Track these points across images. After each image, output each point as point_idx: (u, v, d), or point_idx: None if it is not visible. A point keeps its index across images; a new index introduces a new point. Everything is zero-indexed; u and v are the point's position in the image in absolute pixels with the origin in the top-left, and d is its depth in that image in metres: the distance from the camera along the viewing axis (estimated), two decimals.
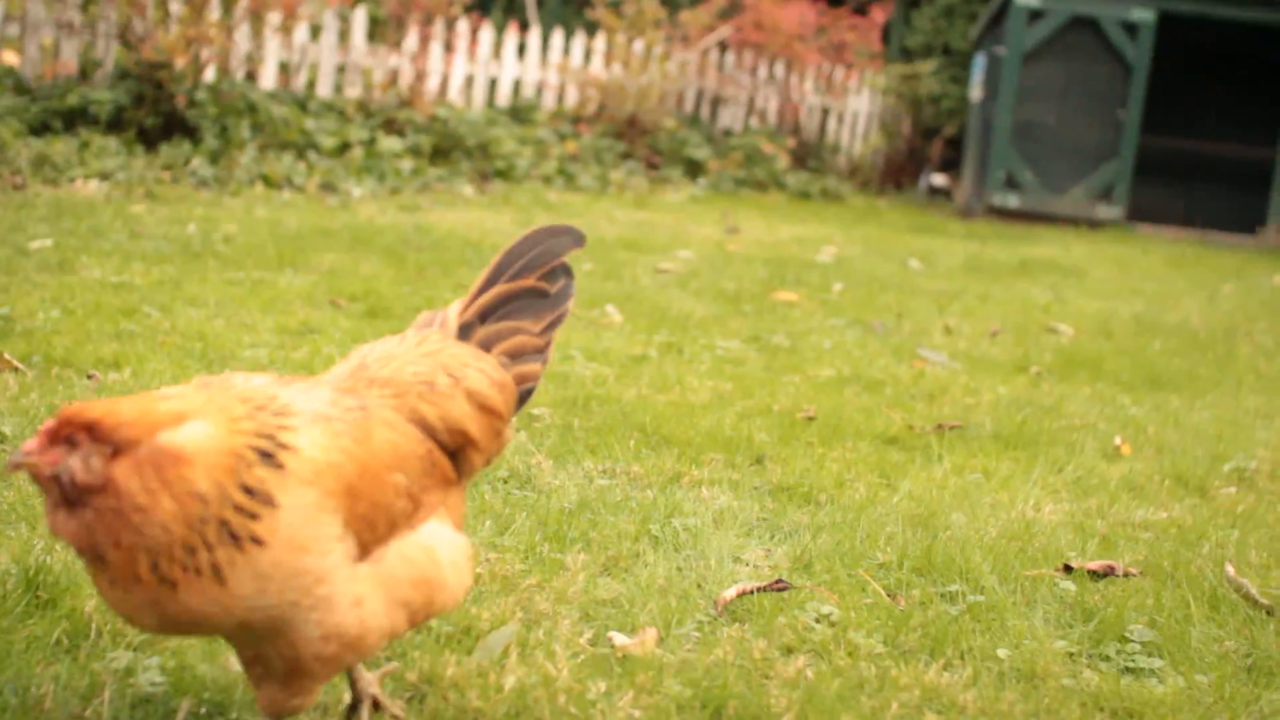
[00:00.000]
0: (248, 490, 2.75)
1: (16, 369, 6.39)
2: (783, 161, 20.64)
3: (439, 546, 3.13)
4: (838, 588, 4.54)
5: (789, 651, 4.06)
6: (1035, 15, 19.97)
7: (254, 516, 2.75)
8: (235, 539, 2.73)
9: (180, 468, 2.70)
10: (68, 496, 2.68)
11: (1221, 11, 20.38)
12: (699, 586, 4.48)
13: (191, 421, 2.75)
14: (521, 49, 20.43)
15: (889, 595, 4.52)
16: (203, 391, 2.89)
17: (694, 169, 20.05)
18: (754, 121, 22.39)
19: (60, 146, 14.06)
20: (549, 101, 20.40)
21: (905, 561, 4.81)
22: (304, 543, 2.81)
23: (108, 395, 6.01)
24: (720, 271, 11.58)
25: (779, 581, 4.46)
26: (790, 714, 3.62)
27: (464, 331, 3.42)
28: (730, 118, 22.29)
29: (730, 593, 4.38)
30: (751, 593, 4.40)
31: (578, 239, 3.61)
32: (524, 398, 3.45)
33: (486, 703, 3.50)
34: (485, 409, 3.29)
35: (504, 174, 17.14)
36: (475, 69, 19.61)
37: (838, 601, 4.40)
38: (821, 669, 3.94)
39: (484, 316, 3.45)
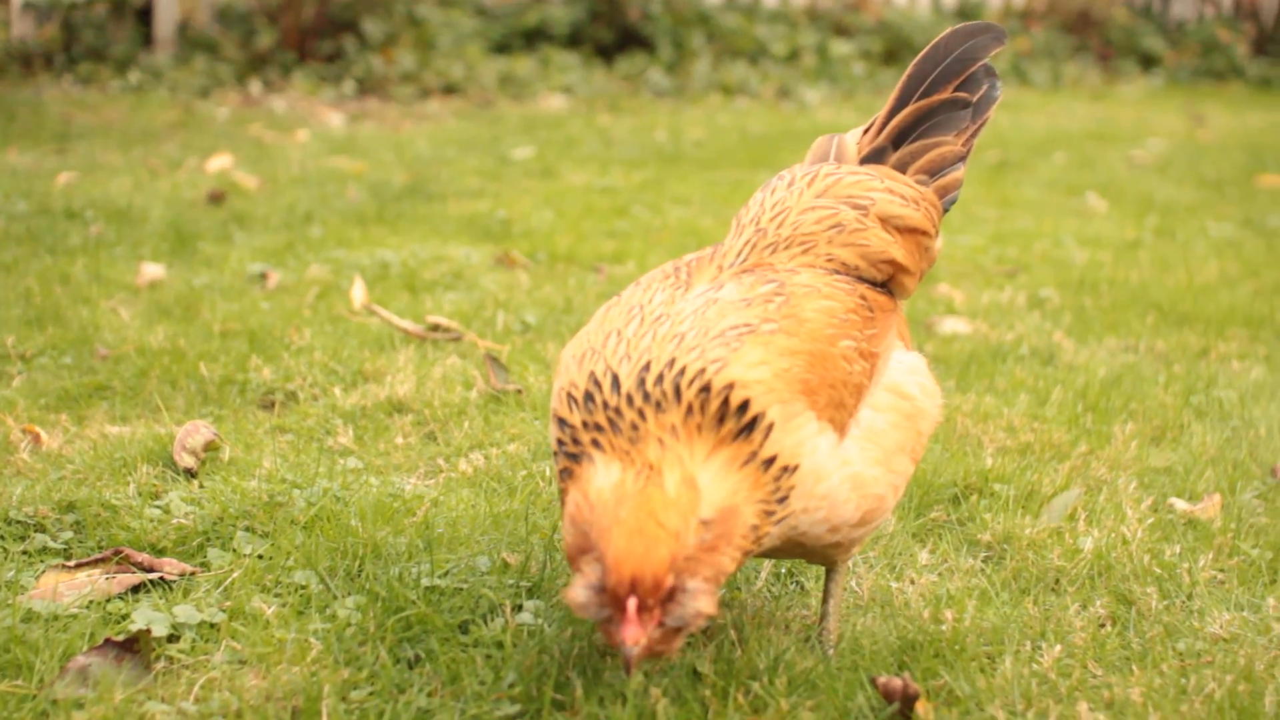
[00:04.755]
0: (768, 462, 2.62)
1: (525, 266, 6.58)
2: (1241, 50, 19.85)
3: (903, 381, 2.93)
4: None
5: None
6: None
7: (786, 468, 2.65)
8: (783, 501, 2.65)
9: (733, 520, 2.56)
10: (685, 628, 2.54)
11: None
12: (1252, 455, 4.35)
13: (706, 491, 2.55)
14: None
15: None
16: (651, 446, 2.60)
17: (1147, 61, 19.46)
18: (1208, 10, 21.60)
19: (523, 64, 14.43)
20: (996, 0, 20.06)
21: None
22: (795, 452, 2.66)
23: (615, 287, 6.15)
24: (1195, 159, 11.22)
25: None
26: None
27: (874, 157, 3.13)
28: (1183, 7, 21.54)
29: None
30: None
31: (998, 36, 3.22)
32: (947, 207, 3.16)
33: (1068, 562, 3.46)
34: (906, 230, 3.02)
35: None
36: None
37: None
38: None
39: (898, 140, 3.14)
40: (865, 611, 3.22)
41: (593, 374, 2.72)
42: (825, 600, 3.05)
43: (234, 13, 14.23)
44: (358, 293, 5.71)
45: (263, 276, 6.15)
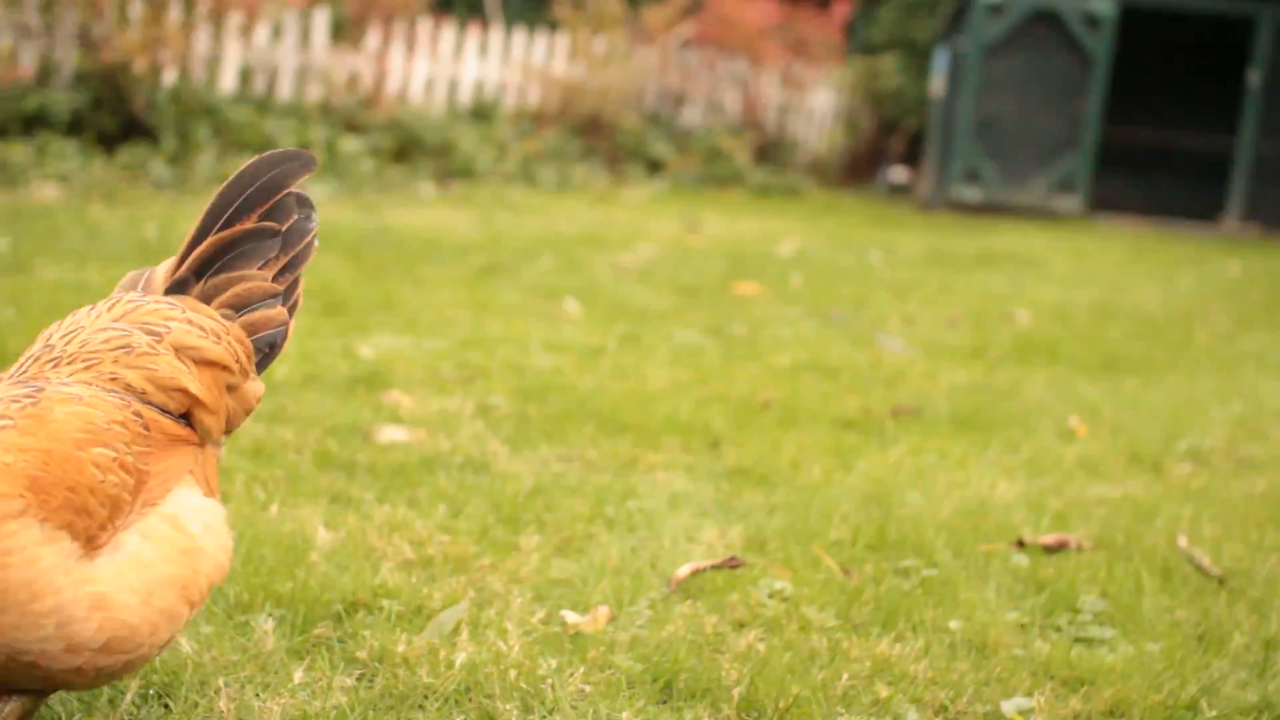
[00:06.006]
0: None
1: None
2: (744, 158, 20.65)
3: (186, 516, 2.88)
4: (791, 564, 4.55)
5: (741, 626, 4.08)
6: (996, 9, 20.00)
7: None
8: None
9: None
10: None
11: (1182, 3, 20.48)
12: (653, 566, 4.49)
13: None
14: (483, 48, 20.40)
15: (843, 571, 4.54)
16: None
17: (655, 166, 20.08)
18: (716, 118, 22.39)
19: (18, 151, 14.02)
20: (511, 100, 20.38)
21: (859, 538, 4.84)
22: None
23: None
24: (680, 265, 11.60)
25: (732, 559, 4.47)
26: (740, 686, 3.64)
27: (177, 289, 3.06)
28: (692, 115, 22.30)
29: (684, 571, 4.39)
30: (705, 570, 4.42)
31: (306, 163, 3.14)
32: (272, 347, 3.14)
33: (437, 679, 3.51)
34: (204, 363, 2.97)
35: (465, 173, 17.14)
36: (437, 69, 19.58)
37: (791, 577, 4.42)
38: (773, 642, 3.95)
39: (201, 271, 3.08)
40: None
41: None
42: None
43: None
44: None
45: None
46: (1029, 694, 3.79)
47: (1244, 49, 20.73)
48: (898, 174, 23.54)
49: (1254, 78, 20.40)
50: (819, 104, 23.89)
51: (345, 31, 18.95)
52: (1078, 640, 4.19)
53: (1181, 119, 23.34)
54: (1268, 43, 20.19)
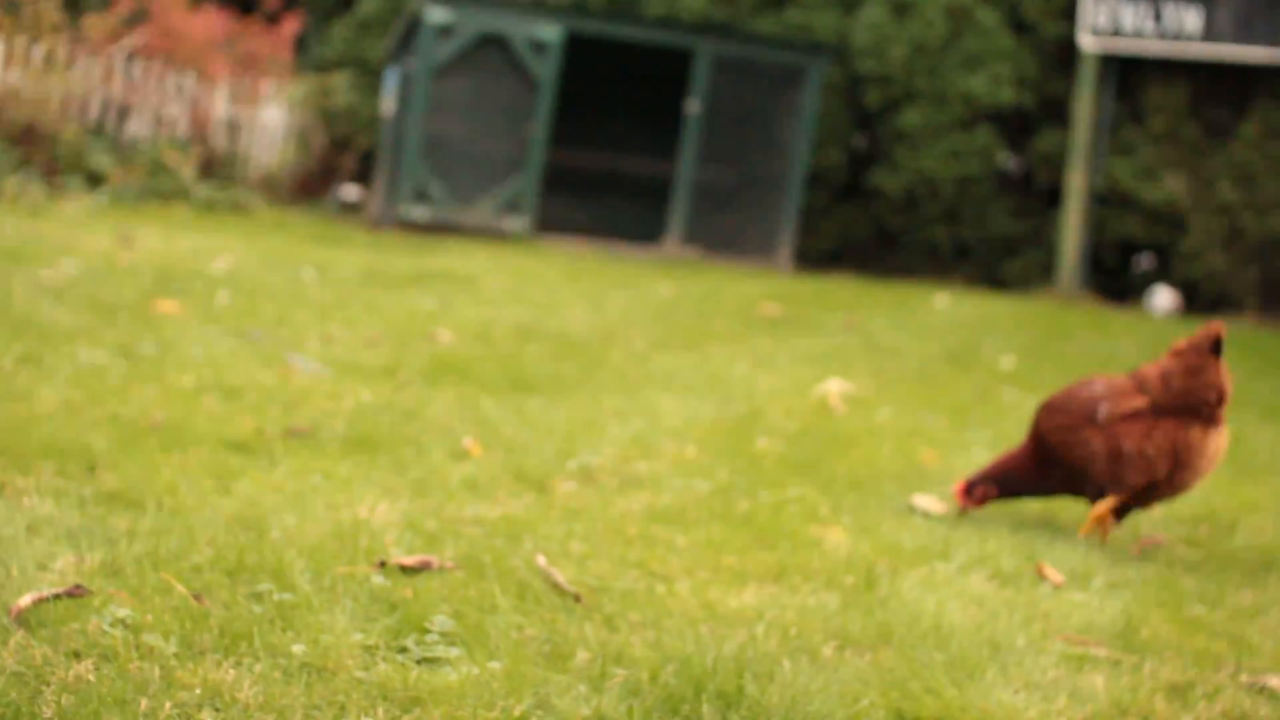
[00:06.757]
0: None
1: None
2: (189, 172, 20.30)
3: None
4: (143, 592, 4.49)
5: (76, 656, 4.01)
6: (445, 31, 20.19)
7: None
8: None
9: None
10: None
11: (625, 32, 21.14)
12: None
13: None
14: None
15: (195, 597, 4.50)
16: None
17: (96, 179, 19.56)
18: (164, 132, 21.98)
19: None
20: None
21: (219, 563, 4.81)
22: None
23: None
24: (103, 282, 11.33)
25: (76, 587, 4.39)
26: (57, 719, 3.58)
27: None
28: (139, 127, 21.84)
29: (25, 600, 4.28)
30: (47, 600, 4.32)
31: None
32: None
33: None
34: None
35: None
36: None
37: (136, 605, 4.36)
38: (105, 672, 3.90)
39: None
40: None
41: None
42: None
43: None
44: None
45: None
46: (359, 717, 3.84)
47: (685, 78, 21.48)
48: (349, 192, 23.56)
49: (693, 106, 21.18)
50: (271, 120, 23.70)
51: None
52: (421, 661, 4.27)
53: (629, 144, 24.06)
54: (704, 74, 21.00)
